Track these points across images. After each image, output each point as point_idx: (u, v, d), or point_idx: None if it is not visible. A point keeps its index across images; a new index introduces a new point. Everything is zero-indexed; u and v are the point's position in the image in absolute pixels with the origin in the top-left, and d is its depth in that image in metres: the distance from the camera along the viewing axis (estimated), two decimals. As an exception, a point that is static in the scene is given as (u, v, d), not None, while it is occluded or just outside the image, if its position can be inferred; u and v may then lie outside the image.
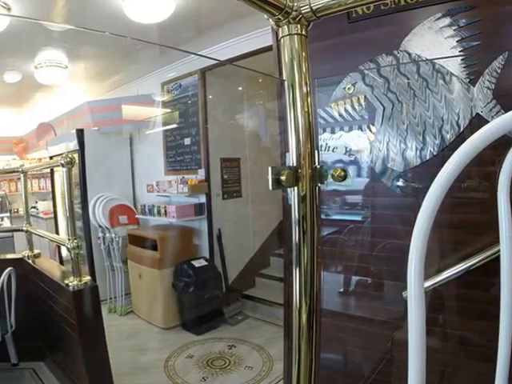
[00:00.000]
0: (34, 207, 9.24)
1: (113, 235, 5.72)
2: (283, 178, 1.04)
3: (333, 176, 1.27)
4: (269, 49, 3.18)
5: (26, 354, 4.09)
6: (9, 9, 3.67)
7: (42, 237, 4.42)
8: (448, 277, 1.91)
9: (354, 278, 2.55)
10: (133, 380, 3.86)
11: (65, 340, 3.48)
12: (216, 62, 4.88)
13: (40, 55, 5.19)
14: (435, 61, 2.09)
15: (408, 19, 2.16)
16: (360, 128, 2.41)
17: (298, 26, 1.08)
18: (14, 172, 4.97)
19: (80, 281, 3.10)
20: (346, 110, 2.43)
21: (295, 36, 1.09)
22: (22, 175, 4.23)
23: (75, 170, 5.40)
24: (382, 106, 2.27)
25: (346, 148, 2.46)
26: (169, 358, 4.25)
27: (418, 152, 2.18)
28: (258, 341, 4.47)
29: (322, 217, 2.58)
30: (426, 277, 0.89)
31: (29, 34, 4.41)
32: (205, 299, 4.86)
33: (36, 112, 8.78)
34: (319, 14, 1.05)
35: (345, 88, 2.41)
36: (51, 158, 7.06)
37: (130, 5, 3.56)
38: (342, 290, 2.60)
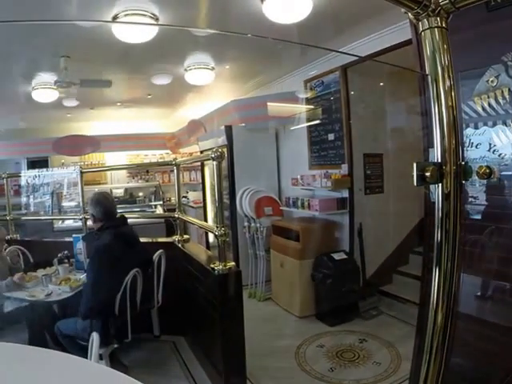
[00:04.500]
0: (185, 197, 9.84)
1: (258, 225, 5.96)
2: (428, 174, 1.04)
3: (477, 173, 1.21)
4: (408, 43, 3.12)
5: (168, 328, 4.46)
6: (157, 19, 4.00)
7: (192, 224, 4.76)
8: None
9: (493, 283, 2.43)
10: (264, 362, 4.01)
11: (205, 319, 3.74)
12: (356, 58, 4.84)
13: (189, 59, 5.55)
14: None
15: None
16: (504, 123, 2.27)
17: (438, 18, 1.08)
18: (168, 165, 5.37)
19: (225, 266, 3.33)
20: (489, 104, 2.32)
21: (435, 29, 1.09)
22: (175, 168, 4.61)
23: (224, 164, 5.69)
24: (528, 98, 2.13)
25: (489, 144, 2.35)
26: (300, 346, 4.35)
27: None
28: (389, 338, 4.38)
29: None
30: None
31: (176, 39, 4.75)
32: (341, 292, 4.85)
33: (186, 110, 9.33)
34: (458, 5, 1.05)
35: (488, 81, 2.30)
36: (202, 152, 7.49)
37: (270, 6, 3.62)
38: (479, 293, 2.49)
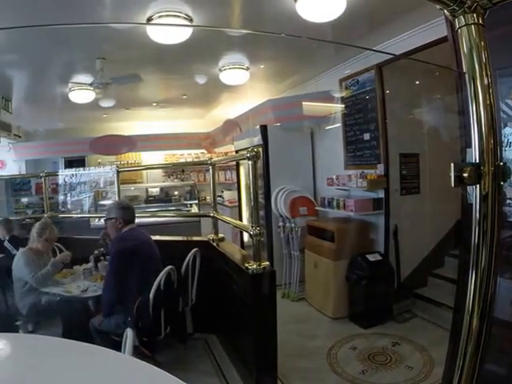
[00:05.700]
0: (220, 196, 9.88)
1: (292, 225, 5.95)
2: (465, 175, 1.02)
3: (516, 174, 1.21)
4: (443, 40, 3.06)
5: (201, 326, 4.49)
6: (191, 20, 4.02)
7: (227, 223, 4.78)
8: None
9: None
10: (295, 363, 4.00)
11: (238, 318, 3.76)
12: (391, 56, 4.78)
13: (223, 59, 5.59)
14: None
15: None
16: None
17: (474, 15, 1.06)
18: (203, 164, 5.41)
19: (259, 265, 3.30)
20: (528, 102, 2.22)
21: (472, 26, 1.06)
22: (210, 167, 4.62)
23: (259, 163, 5.69)
24: None
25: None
26: (332, 347, 4.33)
27: None
28: (422, 341, 4.30)
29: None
30: None
31: (211, 40, 4.78)
32: (375, 294, 4.81)
33: (221, 110, 9.39)
34: (494, 1, 1.03)
35: (526, 78, 2.21)
36: (237, 151, 7.51)
37: (303, 5, 3.58)
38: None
